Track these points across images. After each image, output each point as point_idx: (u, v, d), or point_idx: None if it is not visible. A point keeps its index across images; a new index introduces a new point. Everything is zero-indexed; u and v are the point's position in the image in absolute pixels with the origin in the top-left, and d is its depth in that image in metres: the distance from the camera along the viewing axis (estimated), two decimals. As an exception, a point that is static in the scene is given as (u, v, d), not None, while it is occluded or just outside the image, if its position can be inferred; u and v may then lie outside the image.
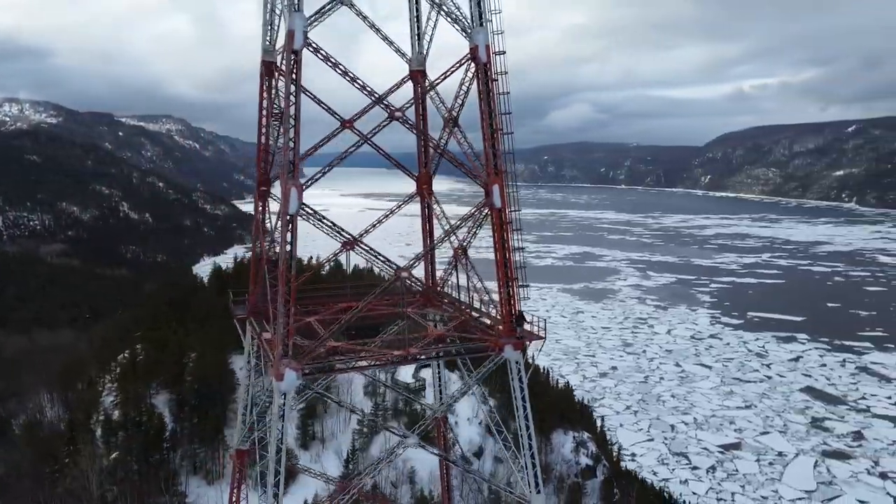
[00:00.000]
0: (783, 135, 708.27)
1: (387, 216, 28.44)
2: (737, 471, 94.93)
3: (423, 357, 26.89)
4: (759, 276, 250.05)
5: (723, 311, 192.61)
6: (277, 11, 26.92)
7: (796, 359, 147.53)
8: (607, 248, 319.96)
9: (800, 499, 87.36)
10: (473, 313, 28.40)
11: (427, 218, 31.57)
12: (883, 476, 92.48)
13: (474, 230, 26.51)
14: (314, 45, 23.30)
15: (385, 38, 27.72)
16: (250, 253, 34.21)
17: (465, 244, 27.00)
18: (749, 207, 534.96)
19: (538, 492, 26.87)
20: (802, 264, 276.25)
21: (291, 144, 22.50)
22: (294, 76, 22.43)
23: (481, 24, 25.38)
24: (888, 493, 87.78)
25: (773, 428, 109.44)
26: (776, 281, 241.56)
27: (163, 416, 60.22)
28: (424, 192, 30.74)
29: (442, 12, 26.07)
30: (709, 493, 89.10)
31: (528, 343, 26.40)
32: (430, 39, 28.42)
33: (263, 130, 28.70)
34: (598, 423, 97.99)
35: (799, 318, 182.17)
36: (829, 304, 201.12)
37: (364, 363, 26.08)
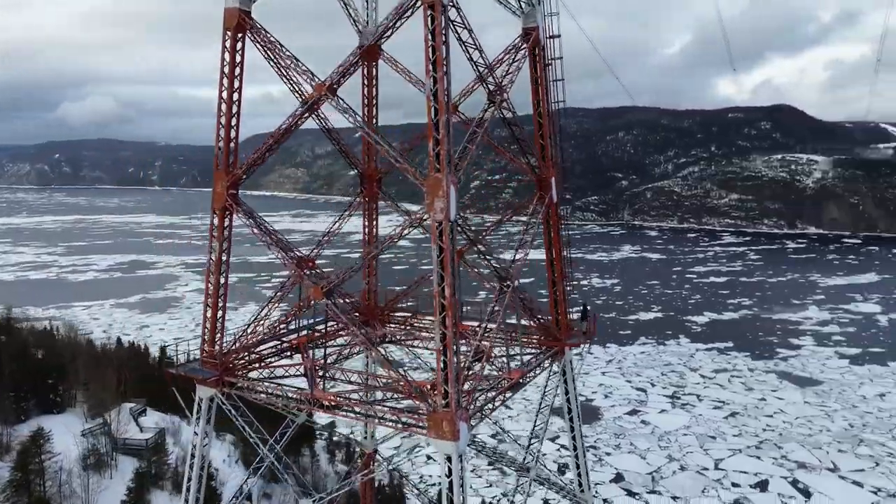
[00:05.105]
0: (306, 138, 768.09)
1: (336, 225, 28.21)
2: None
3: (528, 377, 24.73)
4: (321, 266, 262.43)
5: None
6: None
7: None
8: (157, 254, 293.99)
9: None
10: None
11: (371, 221, 29.34)
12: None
13: (528, 229, 24.82)
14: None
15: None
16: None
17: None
18: (287, 205, 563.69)
19: (589, 488, 27.27)
20: (349, 254, 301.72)
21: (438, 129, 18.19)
22: (445, 36, 17.83)
23: (539, 3, 24.48)
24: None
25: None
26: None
27: None
28: (374, 189, 28.41)
29: None
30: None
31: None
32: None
33: (234, 109, 23.73)
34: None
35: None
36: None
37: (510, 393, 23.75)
